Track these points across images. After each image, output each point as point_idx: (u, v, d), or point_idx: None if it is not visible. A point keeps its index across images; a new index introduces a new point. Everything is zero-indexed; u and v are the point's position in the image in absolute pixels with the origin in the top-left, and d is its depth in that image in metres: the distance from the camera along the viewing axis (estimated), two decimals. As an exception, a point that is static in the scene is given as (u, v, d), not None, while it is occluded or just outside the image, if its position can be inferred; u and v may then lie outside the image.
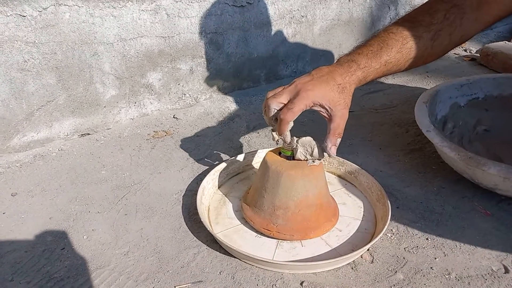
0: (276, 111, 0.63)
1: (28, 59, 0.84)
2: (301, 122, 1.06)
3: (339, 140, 0.63)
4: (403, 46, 0.69)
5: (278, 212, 0.65)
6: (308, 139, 0.65)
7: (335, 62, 0.68)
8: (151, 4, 0.96)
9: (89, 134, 0.98)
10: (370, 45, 0.68)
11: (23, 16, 0.81)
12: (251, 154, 0.85)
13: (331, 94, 0.61)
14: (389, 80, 1.35)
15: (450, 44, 0.73)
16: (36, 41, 0.84)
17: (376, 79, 0.71)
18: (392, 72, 0.72)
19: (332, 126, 0.62)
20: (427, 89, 0.92)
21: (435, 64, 1.50)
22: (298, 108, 0.60)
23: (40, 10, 0.82)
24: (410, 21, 0.71)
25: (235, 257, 0.63)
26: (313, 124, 1.04)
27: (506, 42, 1.49)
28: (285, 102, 0.62)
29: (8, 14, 0.79)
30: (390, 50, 0.68)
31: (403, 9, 1.48)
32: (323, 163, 0.77)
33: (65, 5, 0.85)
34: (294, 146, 0.65)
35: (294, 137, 0.66)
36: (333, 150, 0.63)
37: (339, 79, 0.63)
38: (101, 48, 0.93)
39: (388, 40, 0.69)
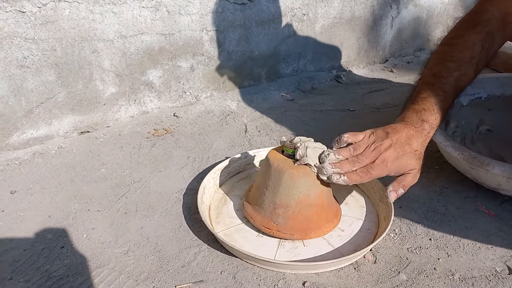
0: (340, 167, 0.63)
1: (28, 56, 0.84)
2: (303, 121, 1.05)
3: (401, 191, 0.64)
4: (457, 88, 0.74)
5: (279, 211, 0.64)
6: (322, 149, 0.64)
7: (404, 116, 0.69)
8: (152, 0, 0.95)
9: (88, 131, 0.97)
10: (430, 96, 0.71)
11: (23, 12, 0.80)
12: (252, 153, 0.84)
13: (408, 162, 0.63)
14: (391, 80, 1.35)
15: (484, 65, 0.79)
16: (36, 38, 0.83)
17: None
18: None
19: (400, 178, 0.64)
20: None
21: (437, 63, 1.50)
22: (376, 174, 0.62)
23: (40, 6, 0.81)
24: (454, 60, 0.75)
25: (236, 257, 0.62)
26: (315, 123, 1.04)
27: (508, 41, 1.49)
28: (361, 163, 0.63)
29: (8, 10, 0.78)
30: (449, 97, 0.72)
31: (405, 8, 1.47)
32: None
33: (65, 1, 0.84)
34: (298, 145, 0.64)
35: (300, 138, 0.65)
36: (392, 195, 0.64)
37: (416, 145, 0.65)
38: (101, 45, 0.92)
39: (445, 87, 0.72)
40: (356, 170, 0.62)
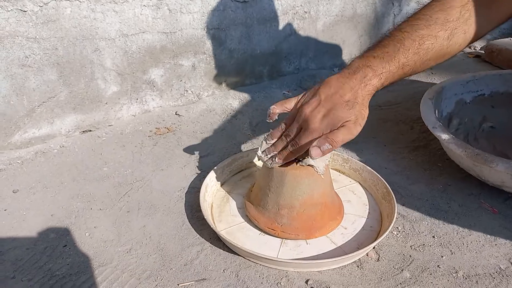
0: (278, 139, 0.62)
1: (29, 55, 0.84)
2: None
3: (328, 146, 0.55)
4: (420, 47, 0.63)
5: (283, 212, 0.64)
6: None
7: (347, 66, 0.61)
8: (153, -1, 0.95)
9: (90, 130, 0.97)
10: (385, 46, 0.61)
11: (24, 11, 0.80)
12: (254, 151, 0.84)
13: (339, 115, 0.57)
14: (393, 77, 1.34)
15: (464, 43, 0.69)
16: (37, 37, 0.83)
17: (391, 84, 0.65)
18: (407, 75, 0.66)
19: (331, 133, 0.57)
20: (431, 86, 0.91)
21: (439, 60, 1.49)
22: (304, 141, 0.58)
23: (41, 5, 0.81)
24: (425, 19, 0.66)
25: (239, 255, 0.62)
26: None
27: (511, 38, 1.48)
28: (291, 135, 0.61)
29: (9, 9, 0.78)
30: (407, 51, 0.62)
31: (407, 5, 1.46)
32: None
33: (66, 0, 0.84)
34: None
35: None
36: (314, 151, 0.55)
37: (348, 94, 0.57)
38: (103, 43, 0.92)
39: (404, 41, 0.63)
40: (288, 146, 0.59)
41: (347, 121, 0.56)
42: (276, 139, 0.63)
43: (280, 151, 0.62)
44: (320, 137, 0.57)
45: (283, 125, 0.63)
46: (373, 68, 0.59)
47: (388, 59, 0.60)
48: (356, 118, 0.57)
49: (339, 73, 0.60)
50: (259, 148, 0.64)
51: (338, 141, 0.56)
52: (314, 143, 0.55)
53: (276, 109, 0.63)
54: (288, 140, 0.61)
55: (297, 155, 0.60)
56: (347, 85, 0.58)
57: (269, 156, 0.62)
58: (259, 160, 0.65)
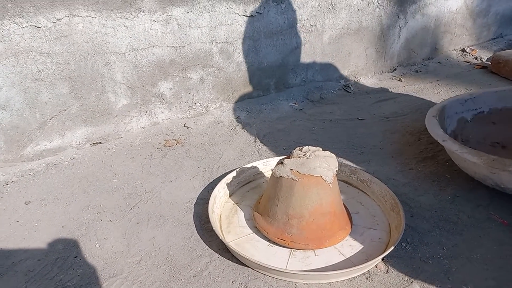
0: None
1: (42, 69, 0.86)
2: (312, 130, 1.06)
3: None
4: None
5: (293, 221, 0.64)
6: (331, 157, 0.65)
7: None
8: (163, 14, 0.97)
9: (101, 143, 0.99)
10: None
11: (38, 27, 0.82)
12: (262, 163, 0.85)
13: None
14: (400, 89, 1.35)
15: None
16: (50, 52, 0.85)
17: None
18: None
19: None
20: (436, 102, 0.92)
21: (446, 72, 1.50)
22: None
23: (55, 21, 0.84)
24: None
25: (247, 266, 0.62)
26: (324, 132, 1.04)
27: (517, 49, 1.48)
28: None
29: (24, 26, 0.81)
30: None
31: (412, 18, 1.48)
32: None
33: (78, 16, 0.86)
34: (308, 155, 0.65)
35: (309, 148, 0.66)
36: None
37: None
38: (113, 58, 0.94)
39: None
40: None
41: None
42: None
43: None
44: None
45: None
46: None
47: None
48: None
49: None
50: None
51: None
52: None
53: None
54: None
55: None
56: None
57: None
58: None
